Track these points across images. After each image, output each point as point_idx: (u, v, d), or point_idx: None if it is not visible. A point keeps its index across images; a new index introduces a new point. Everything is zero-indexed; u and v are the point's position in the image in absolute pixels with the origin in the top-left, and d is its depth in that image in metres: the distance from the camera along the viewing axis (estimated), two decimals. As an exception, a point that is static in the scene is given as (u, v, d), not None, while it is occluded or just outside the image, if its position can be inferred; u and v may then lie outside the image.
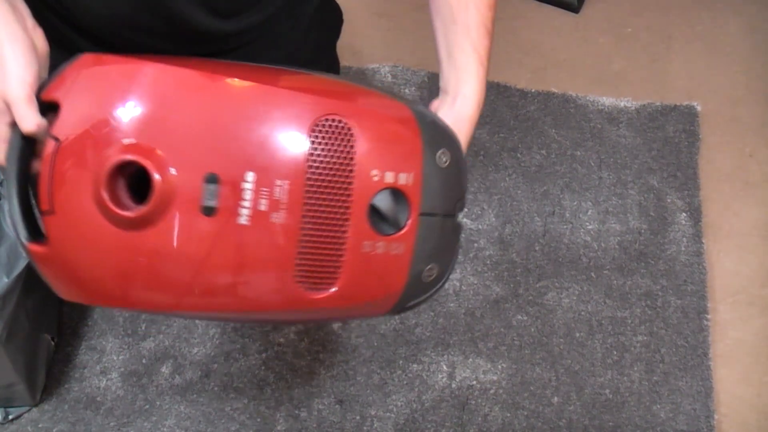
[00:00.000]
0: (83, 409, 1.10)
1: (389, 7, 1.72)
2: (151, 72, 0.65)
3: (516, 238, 1.29)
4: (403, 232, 0.66)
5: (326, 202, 0.63)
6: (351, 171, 0.63)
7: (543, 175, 1.39)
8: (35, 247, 0.64)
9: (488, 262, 1.26)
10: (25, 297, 1.02)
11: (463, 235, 1.29)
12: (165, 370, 1.14)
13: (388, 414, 1.11)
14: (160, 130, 0.64)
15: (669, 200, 1.35)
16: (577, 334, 1.18)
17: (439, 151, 0.68)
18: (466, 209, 1.33)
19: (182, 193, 0.62)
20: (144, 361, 1.15)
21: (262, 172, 0.63)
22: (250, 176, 0.63)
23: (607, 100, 1.51)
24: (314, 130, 0.63)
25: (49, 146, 0.63)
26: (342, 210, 0.63)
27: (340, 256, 0.64)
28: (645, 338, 1.18)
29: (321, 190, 0.63)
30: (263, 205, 0.63)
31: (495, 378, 1.13)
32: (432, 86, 1.53)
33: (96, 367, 1.14)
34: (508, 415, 1.10)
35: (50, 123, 0.65)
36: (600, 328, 1.19)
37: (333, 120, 0.63)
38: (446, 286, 1.24)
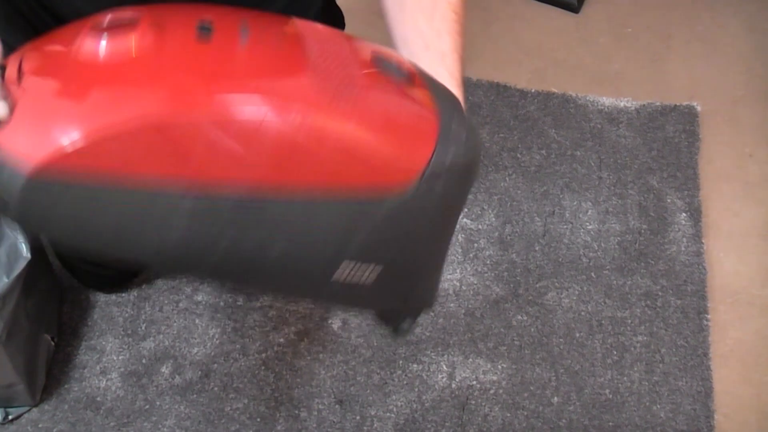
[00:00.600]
0: (83, 409, 1.10)
1: (389, 7, 1.72)
2: None
3: (516, 238, 1.29)
4: (416, 83, 0.63)
5: (333, 49, 0.63)
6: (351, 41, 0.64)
7: (543, 175, 1.39)
8: None
9: (488, 262, 1.26)
10: (25, 297, 1.02)
11: (462, 236, 1.29)
12: (165, 370, 1.14)
13: (388, 414, 1.11)
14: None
15: (669, 200, 1.35)
16: (577, 334, 1.18)
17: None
18: (466, 209, 1.33)
19: (174, 29, 0.59)
20: (144, 361, 1.15)
21: (256, 21, 0.62)
22: (245, 21, 0.61)
23: (607, 100, 1.51)
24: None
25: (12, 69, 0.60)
26: (347, 47, 0.63)
27: (353, 74, 0.61)
28: (645, 338, 1.18)
29: (324, 43, 0.63)
30: (261, 33, 0.61)
31: (495, 378, 1.13)
32: (432, 86, 1.53)
33: (96, 367, 1.14)
34: (508, 415, 1.10)
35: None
36: (600, 328, 1.19)
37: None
38: (446, 286, 1.24)
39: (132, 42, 0.59)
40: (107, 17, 0.60)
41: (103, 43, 0.58)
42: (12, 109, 0.58)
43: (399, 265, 0.66)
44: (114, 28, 0.59)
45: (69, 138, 0.57)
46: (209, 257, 0.61)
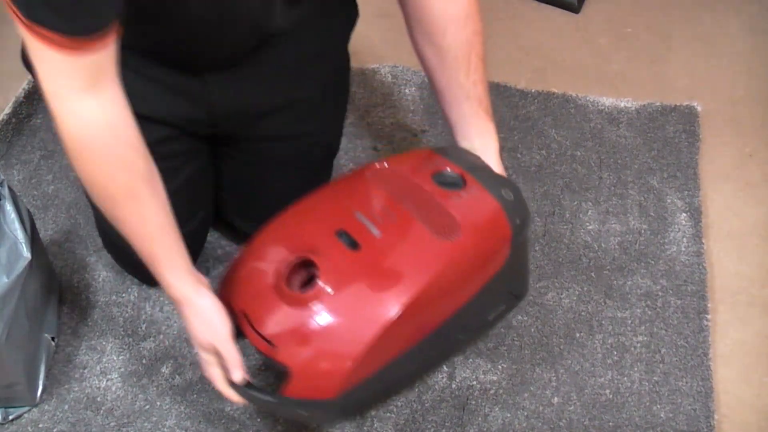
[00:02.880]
0: (83, 409, 1.10)
1: (389, 7, 1.72)
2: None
3: (516, 238, 1.29)
4: (468, 183, 0.99)
5: (413, 202, 0.96)
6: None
7: (543, 175, 1.39)
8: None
9: (488, 262, 1.26)
10: (25, 297, 1.02)
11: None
12: (165, 370, 1.14)
13: (388, 414, 1.11)
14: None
15: (669, 200, 1.35)
16: (577, 335, 1.18)
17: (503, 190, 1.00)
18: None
19: (331, 254, 0.92)
20: (144, 361, 1.15)
21: (364, 208, 0.95)
22: (359, 213, 0.94)
23: (607, 100, 1.51)
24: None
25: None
26: (426, 197, 0.97)
27: (446, 209, 0.95)
28: (645, 338, 1.18)
29: (406, 200, 0.97)
30: (380, 218, 0.94)
31: (495, 378, 1.13)
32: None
33: (96, 367, 1.14)
34: (508, 415, 1.10)
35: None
36: (600, 328, 1.19)
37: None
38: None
39: (322, 286, 0.90)
40: (287, 268, 0.92)
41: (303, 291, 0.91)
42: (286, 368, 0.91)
43: (517, 286, 1.11)
44: (293, 274, 0.93)
45: (346, 365, 0.88)
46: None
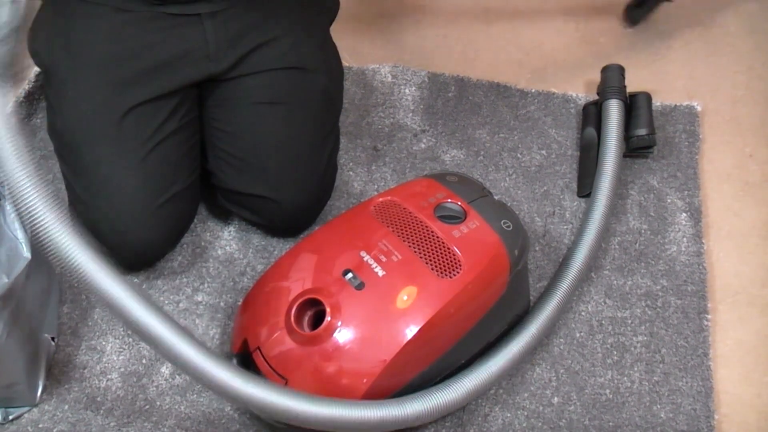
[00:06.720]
0: (83, 409, 1.10)
1: (389, 7, 1.72)
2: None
3: (516, 238, 1.29)
4: (470, 215, 1.05)
5: (415, 240, 1.02)
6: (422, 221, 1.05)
7: (543, 175, 1.39)
8: None
9: (488, 262, 1.26)
10: (25, 297, 1.02)
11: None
12: (165, 370, 1.14)
13: (388, 414, 1.11)
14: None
15: (669, 200, 1.35)
16: (577, 334, 1.18)
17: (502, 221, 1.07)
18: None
19: (338, 294, 0.97)
20: (144, 361, 1.15)
21: (369, 247, 1.01)
22: (363, 253, 1.00)
23: (607, 100, 1.51)
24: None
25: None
26: (428, 234, 1.02)
27: (448, 249, 1.00)
28: (645, 338, 1.18)
29: (409, 238, 1.02)
30: (384, 258, 0.99)
31: (495, 378, 1.13)
32: (432, 86, 1.53)
33: (96, 368, 1.14)
34: (508, 415, 1.10)
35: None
36: (600, 328, 1.19)
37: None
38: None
39: (330, 325, 0.96)
40: (293, 309, 0.98)
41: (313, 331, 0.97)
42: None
43: (518, 307, 1.14)
44: (297, 320, 0.98)
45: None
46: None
